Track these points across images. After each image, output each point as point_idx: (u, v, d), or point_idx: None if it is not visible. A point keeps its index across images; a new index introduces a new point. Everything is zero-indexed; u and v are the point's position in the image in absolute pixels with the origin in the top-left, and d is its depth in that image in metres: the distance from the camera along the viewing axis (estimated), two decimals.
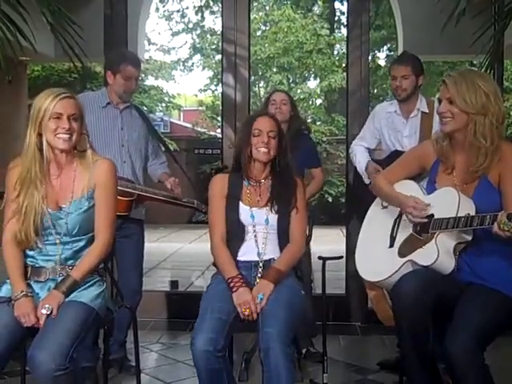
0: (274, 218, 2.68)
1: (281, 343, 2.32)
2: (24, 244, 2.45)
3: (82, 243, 2.49)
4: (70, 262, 2.46)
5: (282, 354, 2.31)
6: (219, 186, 2.76)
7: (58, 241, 2.46)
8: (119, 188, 3.28)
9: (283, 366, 2.31)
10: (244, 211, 2.70)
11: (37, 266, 2.47)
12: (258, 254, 2.67)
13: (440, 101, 2.47)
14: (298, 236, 2.71)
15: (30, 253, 2.48)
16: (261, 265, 2.65)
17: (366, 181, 3.72)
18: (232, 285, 2.52)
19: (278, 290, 2.53)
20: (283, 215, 2.69)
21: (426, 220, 2.47)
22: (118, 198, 3.27)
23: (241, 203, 2.71)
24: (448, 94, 2.41)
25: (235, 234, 2.69)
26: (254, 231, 2.68)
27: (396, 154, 3.28)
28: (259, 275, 2.64)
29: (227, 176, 2.80)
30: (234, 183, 2.75)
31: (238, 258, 2.66)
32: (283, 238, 2.69)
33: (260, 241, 2.67)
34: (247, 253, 2.67)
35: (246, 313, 2.46)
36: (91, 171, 2.48)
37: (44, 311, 2.30)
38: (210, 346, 2.33)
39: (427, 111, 3.60)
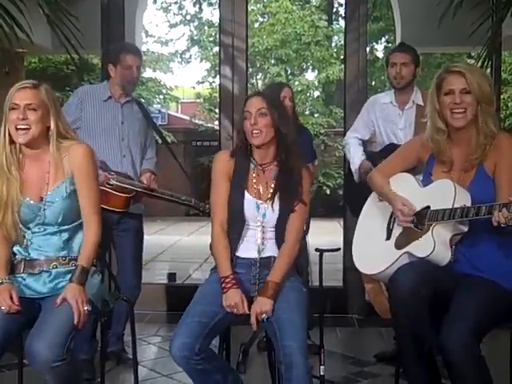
0: (275, 215, 2.56)
1: (302, 357, 2.30)
2: (7, 237, 2.43)
3: (69, 232, 2.46)
4: (62, 253, 2.44)
5: (305, 370, 2.31)
6: (223, 165, 2.60)
7: (45, 232, 2.44)
8: (118, 184, 3.30)
9: (304, 382, 2.31)
10: (249, 203, 2.55)
11: (29, 258, 2.44)
12: (258, 251, 2.57)
13: (448, 94, 2.39)
14: (292, 237, 2.56)
15: (21, 248, 2.46)
16: (259, 263, 2.55)
17: (357, 179, 3.71)
18: (223, 285, 2.46)
19: (286, 294, 2.46)
20: (285, 213, 2.56)
21: (411, 225, 2.48)
22: (117, 194, 3.29)
23: (246, 194, 2.56)
24: (465, 85, 2.38)
25: (235, 226, 2.57)
26: (258, 226, 2.56)
27: (391, 147, 3.27)
28: (258, 276, 2.54)
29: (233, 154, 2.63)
30: (239, 165, 2.59)
31: (238, 254, 2.57)
32: (281, 236, 2.57)
33: (260, 236, 2.56)
34: (248, 249, 2.56)
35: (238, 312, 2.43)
36: (67, 157, 2.43)
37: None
38: (184, 350, 2.30)
39: (422, 104, 3.58)
